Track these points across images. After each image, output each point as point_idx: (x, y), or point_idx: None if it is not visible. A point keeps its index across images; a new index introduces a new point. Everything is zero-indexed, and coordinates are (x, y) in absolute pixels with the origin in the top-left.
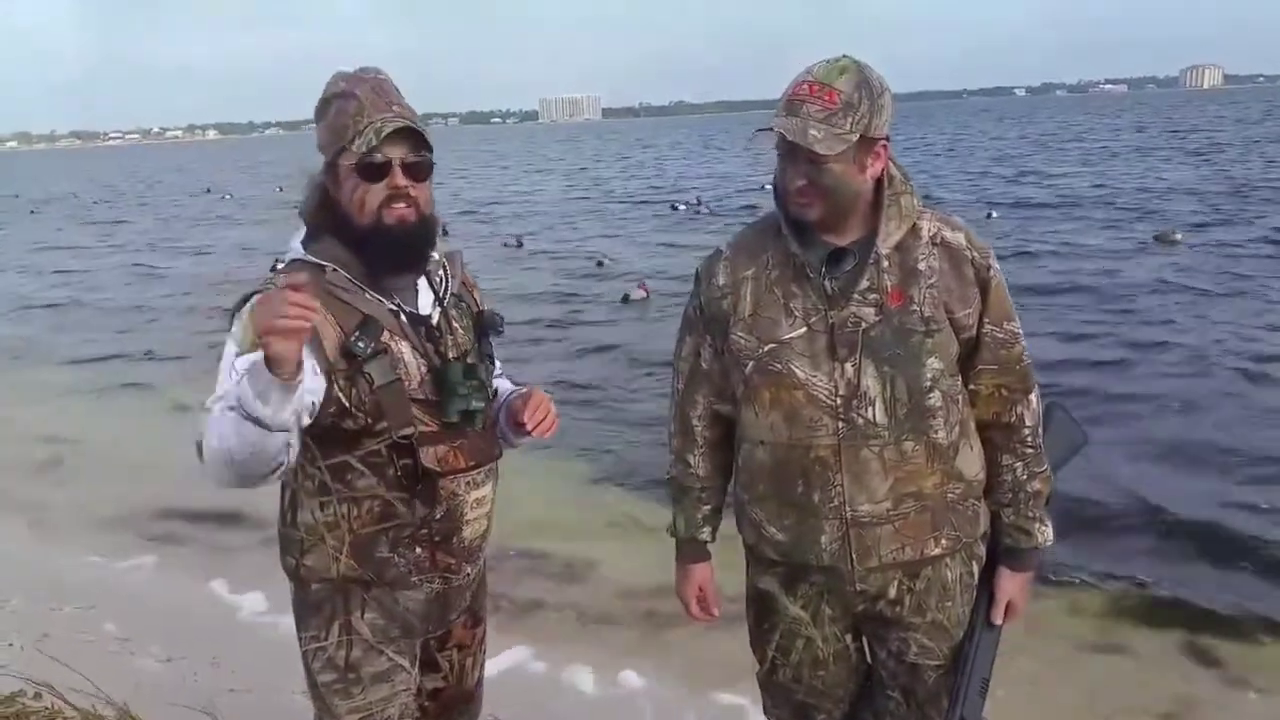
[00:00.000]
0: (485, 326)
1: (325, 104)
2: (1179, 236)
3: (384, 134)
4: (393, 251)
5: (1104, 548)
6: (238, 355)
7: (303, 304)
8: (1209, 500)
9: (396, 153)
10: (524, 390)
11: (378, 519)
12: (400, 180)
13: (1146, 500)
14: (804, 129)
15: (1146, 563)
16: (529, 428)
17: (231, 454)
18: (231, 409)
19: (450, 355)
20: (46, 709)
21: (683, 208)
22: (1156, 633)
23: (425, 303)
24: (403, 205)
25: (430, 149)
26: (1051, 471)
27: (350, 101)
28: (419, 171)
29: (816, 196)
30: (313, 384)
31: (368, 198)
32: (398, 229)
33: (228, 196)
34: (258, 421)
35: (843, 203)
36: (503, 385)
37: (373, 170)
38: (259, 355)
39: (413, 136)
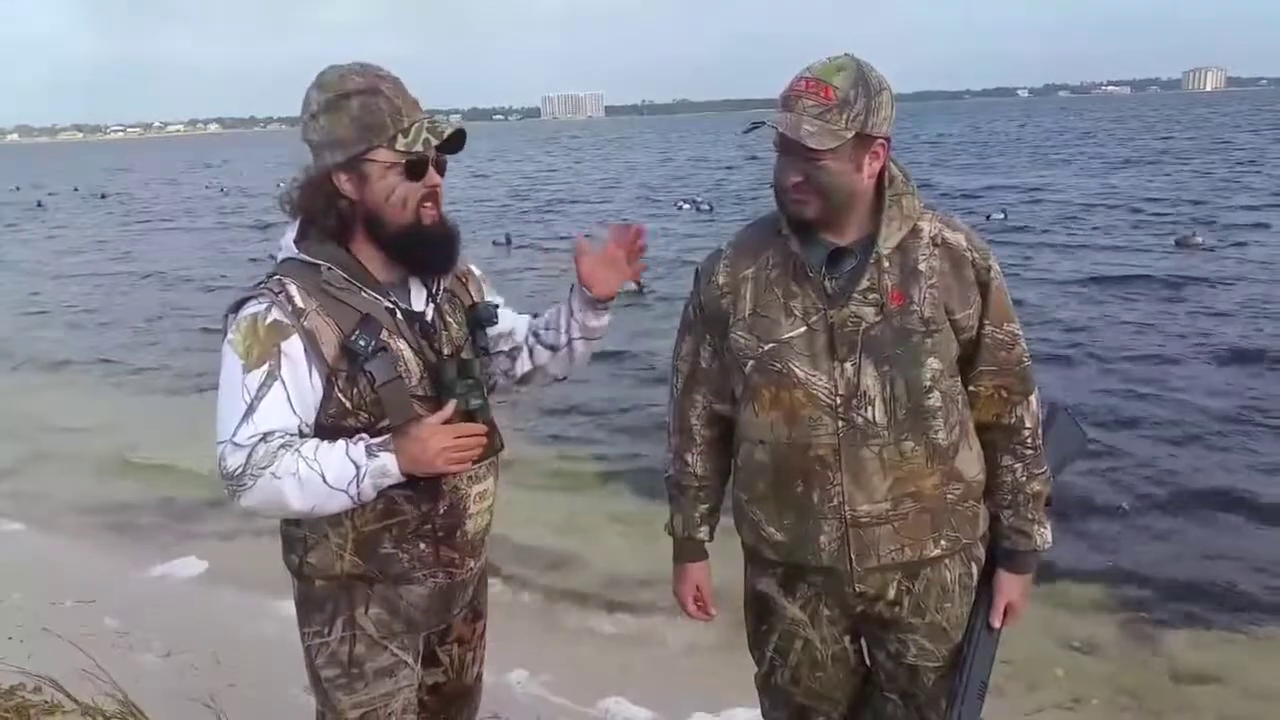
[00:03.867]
0: (479, 319)
1: (343, 98)
2: (1200, 240)
3: (443, 135)
4: (432, 251)
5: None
6: (246, 370)
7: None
8: (1169, 492)
9: (432, 152)
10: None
11: (381, 515)
12: (436, 179)
13: (1105, 492)
14: (797, 124)
15: (1104, 555)
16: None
17: (313, 515)
18: (333, 488)
19: (445, 351)
20: (46, 702)
21: (687, 206)
22: (1114, 624)
23: (418, 299)
24: (433, 205)
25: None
26: (1053, 473)
27: (379, 98)
28: (443, 169)
29: (812, 193)
30: (306, 396)
31: (409, 196)
32: (435, 229)
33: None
34: (361, 502)
35: (839, 201)
36: (550, 311)
37: (418, 169)
38: (390, 462)
39: (450, 139)
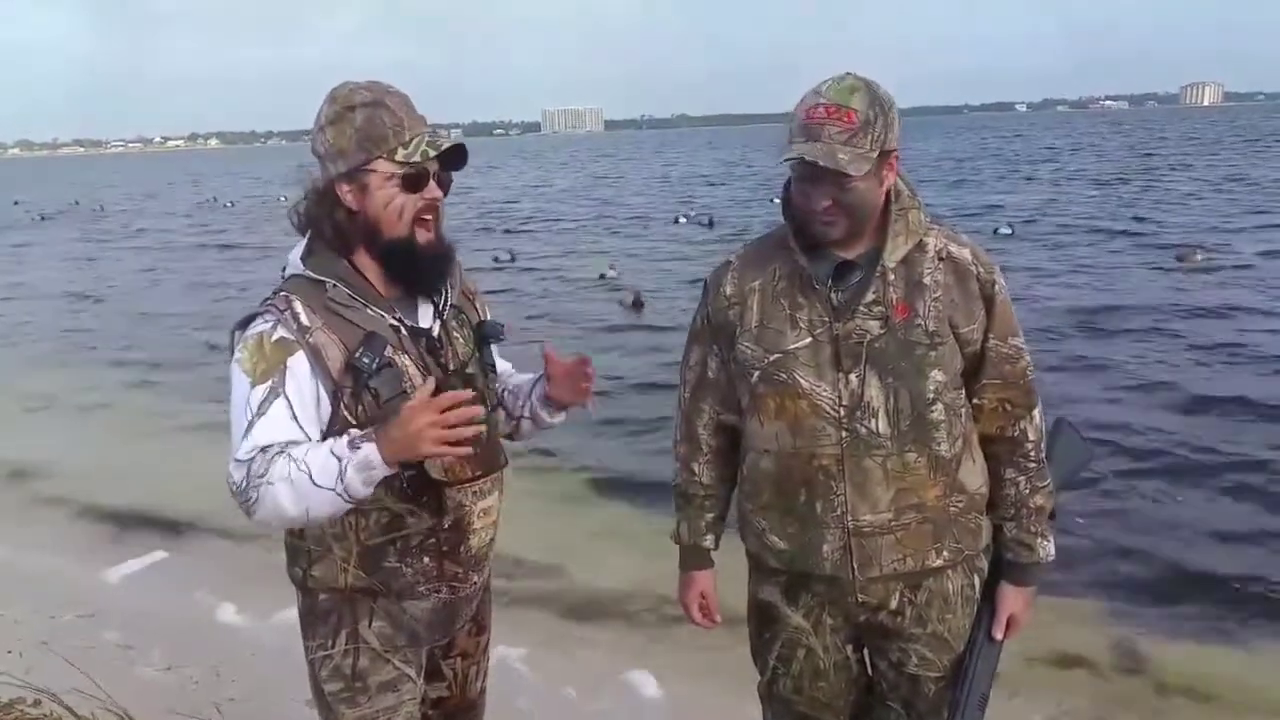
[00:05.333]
0: (485, 336)
1: (348, 110)
2: (1200, 257)
3: (442, 148)
4: (426, 266)
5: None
6: (251, 387)
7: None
8: (1151, 503)
9: (432, 165)
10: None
11: (385, 529)
12: (435, 192)
13: (1084, 503)
14: (832, 153)
15: (1088, 565)
16: (583, 386)
17: (310, 518)
18: (320, 486)
19: (451, 367)
20: (45, 716)
21: (684, 220)
22: (1098, 634)
23: (425, 316)
24: (429, 221)
25: (462, 166)
26: (1058, 487)
27: (383, 111)
28: (446, 185)
29: (841, 215)
30: (317, 413)
31: (405, 208)
32: (429, 246)
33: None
34: (353, 499)
35: (864, 218)
36: (521, 379)
37: (416, 181)
38: (371, 451)
39: (451, 154)
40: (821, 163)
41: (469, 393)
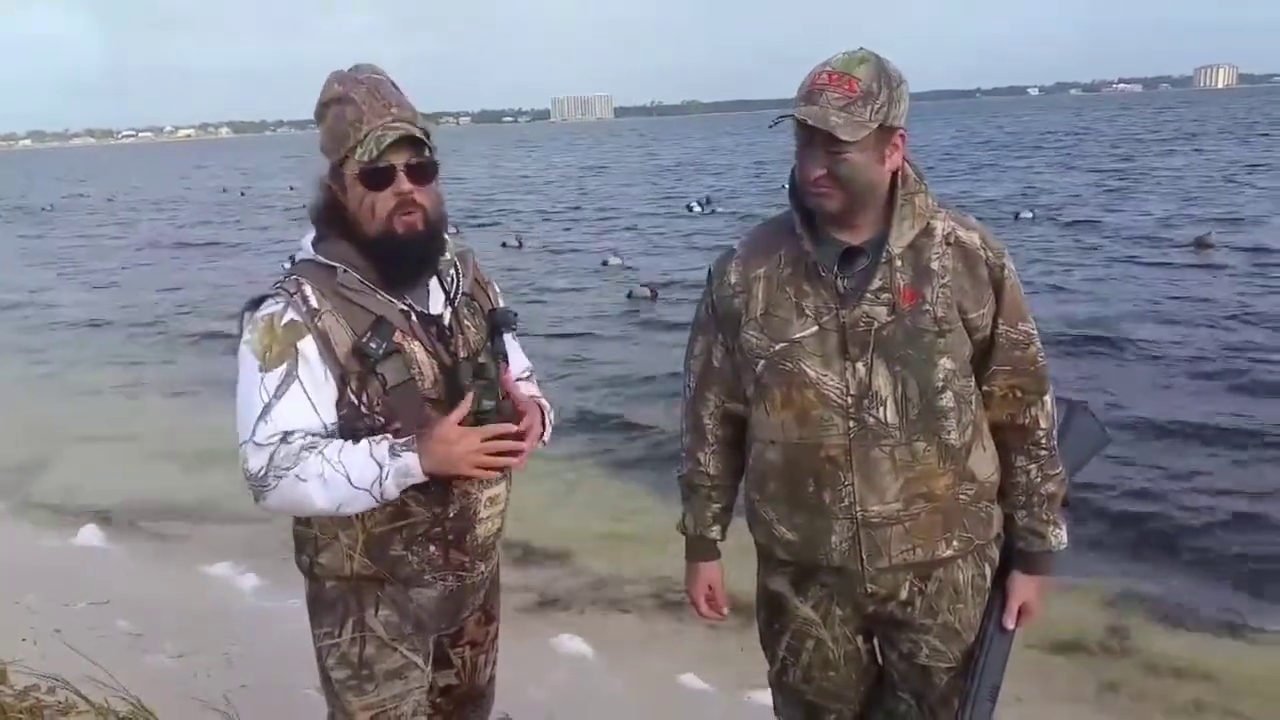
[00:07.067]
0: (497, 324)
1: (323, 108)
2: (1213, 240)
3: (385, 144)
4: (405, 259)
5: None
6: (261, 369)
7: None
8: (1143, 489)
9: (399, 158)
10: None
11: (391, 517)
12: (405, 186)
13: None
14: (825, 115)
15: (1082, 552)
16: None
17: (339, 513)
18: (357, 488)
19: (461, 355)
20: (60, 703)
21: (697, 208)
22: (1093, 618)
23: (436, 302)
24: (411, 212)
25: (432, 149)
26: (1073, 472)
27: (348, 106)
28: (423, 174)
29: (835, 186)
30: (324, 396)
31: (376, 206)
32: (408, 237)
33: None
34: (385, 501)
35: (861, 193)
36: (527, 390)
37: (377, 178)
38: (413, 461)
39: (414, 140)
40: (810, 121)
41: (512, 426)
